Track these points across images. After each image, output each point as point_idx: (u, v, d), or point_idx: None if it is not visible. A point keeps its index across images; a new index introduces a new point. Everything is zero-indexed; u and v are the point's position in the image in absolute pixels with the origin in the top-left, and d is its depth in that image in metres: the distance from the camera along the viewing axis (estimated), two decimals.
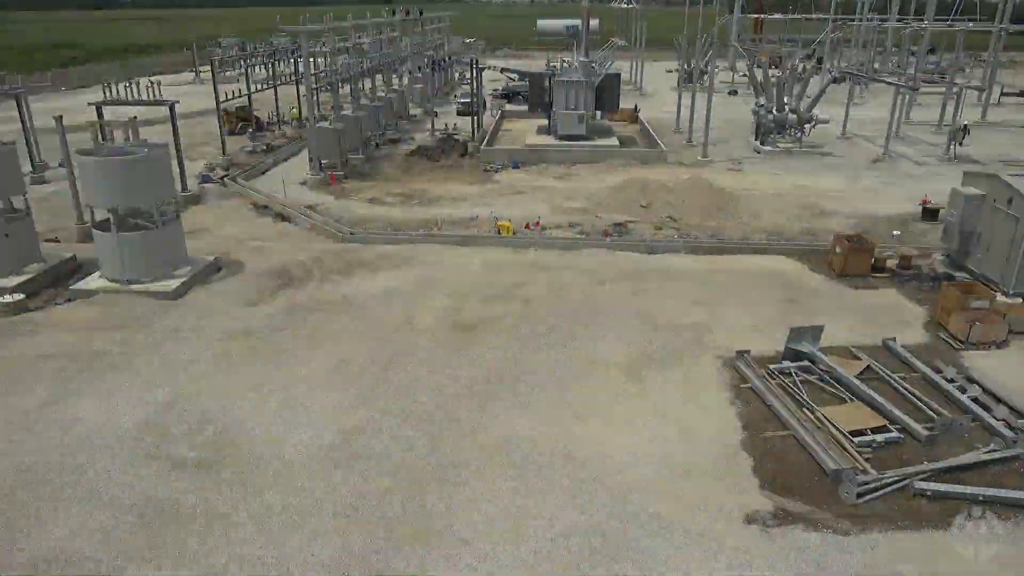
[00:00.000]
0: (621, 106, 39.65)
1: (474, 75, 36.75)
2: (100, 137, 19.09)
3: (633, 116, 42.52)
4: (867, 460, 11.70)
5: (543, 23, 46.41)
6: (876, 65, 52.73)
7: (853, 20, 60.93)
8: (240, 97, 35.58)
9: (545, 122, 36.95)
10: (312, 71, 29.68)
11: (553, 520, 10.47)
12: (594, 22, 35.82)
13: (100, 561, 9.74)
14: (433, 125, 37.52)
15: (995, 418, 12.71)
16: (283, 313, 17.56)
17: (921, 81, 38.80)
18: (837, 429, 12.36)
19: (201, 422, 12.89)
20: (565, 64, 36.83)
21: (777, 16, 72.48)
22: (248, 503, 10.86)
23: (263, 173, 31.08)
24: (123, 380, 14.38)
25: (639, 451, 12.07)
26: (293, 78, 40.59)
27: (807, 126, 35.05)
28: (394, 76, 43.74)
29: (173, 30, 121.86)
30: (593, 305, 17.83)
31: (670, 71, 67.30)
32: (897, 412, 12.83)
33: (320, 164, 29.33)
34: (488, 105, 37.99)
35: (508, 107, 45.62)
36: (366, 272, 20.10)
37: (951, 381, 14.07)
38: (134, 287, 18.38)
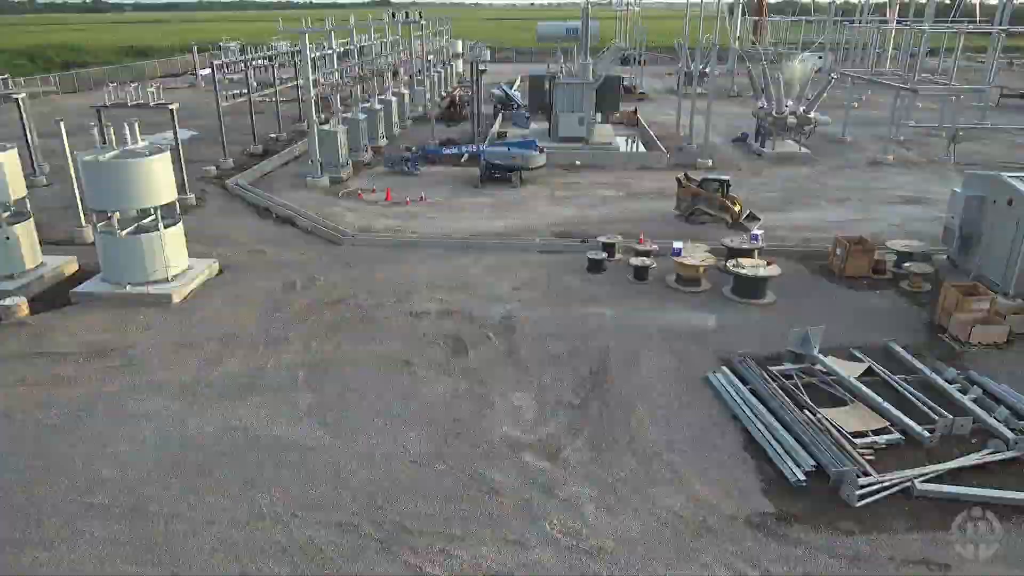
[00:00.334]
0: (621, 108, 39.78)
1: (475, 78, 36.82)
2: (101, 140, 19.12)
3: (633, 118, 42.60)
4: (868, 461, 11.71)
5: (543, 26, 46.47)
6: (876, 67, 52.79)
7: (853, 22, 61.04)
8: (241, 98, 35.61)
9: (545, 124, 37.04)
10: (312, 75, 29.71)
11: None
12: (593, 24, 35.91)
13: None
14: (433, 128, 37.58)
15: (996, 419, 12.72)
16: (285, 318, 17.59)
17: (920, 83, 38.85)
18: (839, 431, 12.35)
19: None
20: (564, 69, 36.95)
21: (778, 18, 72.62)
22: None
23: (264, 174, 31.17)
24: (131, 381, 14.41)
25: None
26: (294, 82, 40.71)
27: (807, 128, 35.11)
28: (395, 79, 43.84)
29: (174, 34, 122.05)
30: None
31: (670, 73, 67.43)
32: (897, 413, 12.85)
33: (321, 167, 29.32)
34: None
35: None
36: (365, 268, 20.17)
37: (951, 382, 14.08)
38: (135, 290, 18.39)
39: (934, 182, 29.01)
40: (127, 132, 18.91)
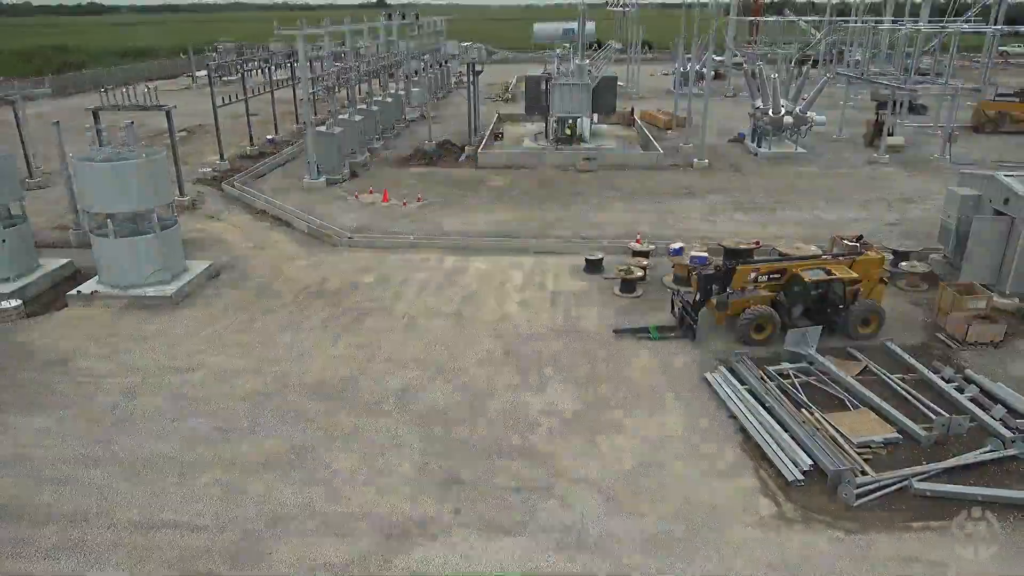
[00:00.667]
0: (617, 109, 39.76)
1: (471, 79, 36.80)
2: (97, 142, 19.09)
3: (629, 119, 42.61)
4: (866, 461, 11.73)
5: (540, 27, 46.48)
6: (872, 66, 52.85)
7: (848, 22, 61.11)
8: (239, 101, 35.54)
9: (542, 126, 37.03)
10: (309, 75, 29.64)
11: None
12: (590, 25, 35.93)
13: None
14: (430, 129, 37.55)
15: (993, 418, 12.74)
16: (284, 320, 17.57)
17: (916, 82, 38.94)
18: (841, 434, 12.35)
19: None
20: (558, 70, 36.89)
21: (773, 19, 72.68)
22: None
23: (260, 176, 31.16)
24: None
25: None
26: (290, 83, 40.62)
27: (803, 127, 35.16)
28: (391, 80, 43.78)
29: (169, 35, 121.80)
30: None
31: (666, 73, 67.44)
32: (894, 412, 12.87)
33: (318, 169, 29.30)
34: None
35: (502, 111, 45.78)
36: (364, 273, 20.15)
37: (949, 381, 14.10)
38: (131, 292, 18.35)
39: (930, 181, 29.04)
40: (123, 135, 18.87)
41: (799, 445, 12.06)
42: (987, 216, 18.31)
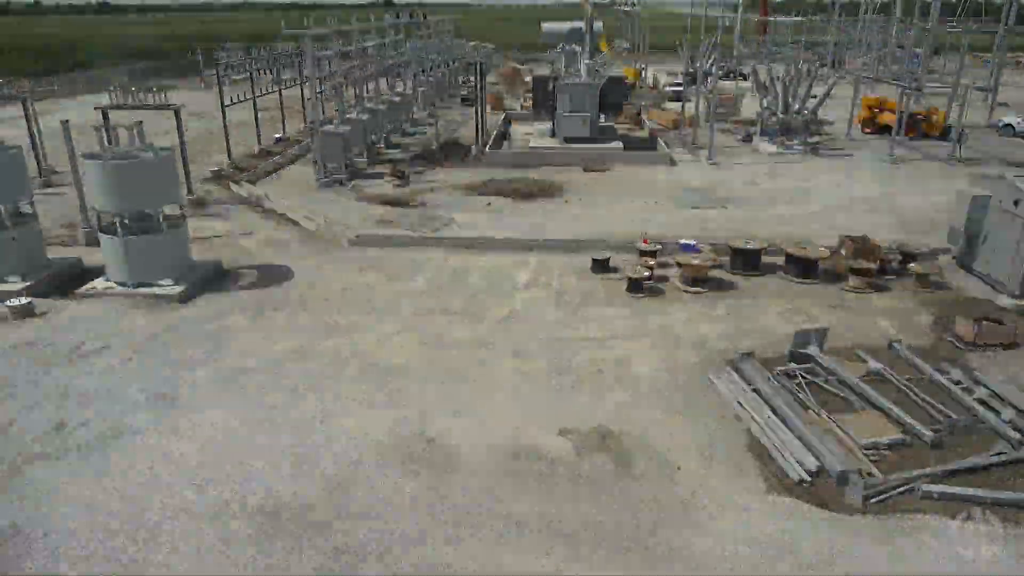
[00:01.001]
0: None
1: (478, 78, 36.84)
2: (106, 141, 19.19)
3: (637, 119, 42.52)
4: (873, 462, 11.69)
5: (548, 26, 46.35)
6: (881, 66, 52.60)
7: (857, 21, 60.85)
8: (246, 101, 35.69)
9: (549, 124, 37.00)
10: (316, 75, 29.73)
11: None
12: (597, 25, 35.91)
13: None
14: (437, 128, 37.62)
15: (1001, 420, 12.66)
16: (284, 320, 17.62)
17: (925, 82, 38.70)
18: (849, 436, 12.30)
19: None
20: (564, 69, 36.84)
21: (782, 19, 72.43)
22: None
23: (268, 175, 31.27)
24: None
25: None
26: (297, 83, 40.73)
27: (812, 127, 35.07)
28: (398, 80, 43.84)
29: (179, 35, 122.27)
30: None
31: (672, 73, 67.32)
32: (902, 414, 12.81)
33: (325, 168, 29.38)
34: None
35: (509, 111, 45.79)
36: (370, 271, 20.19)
37: (957, 383, 14.02)
38: (140, 291, 18.44)
39: (940, 181, 28.86)
40: (132, 133, 18.96)
41: (805, 446, 12.01)
42: (1007, 208, 18.11)
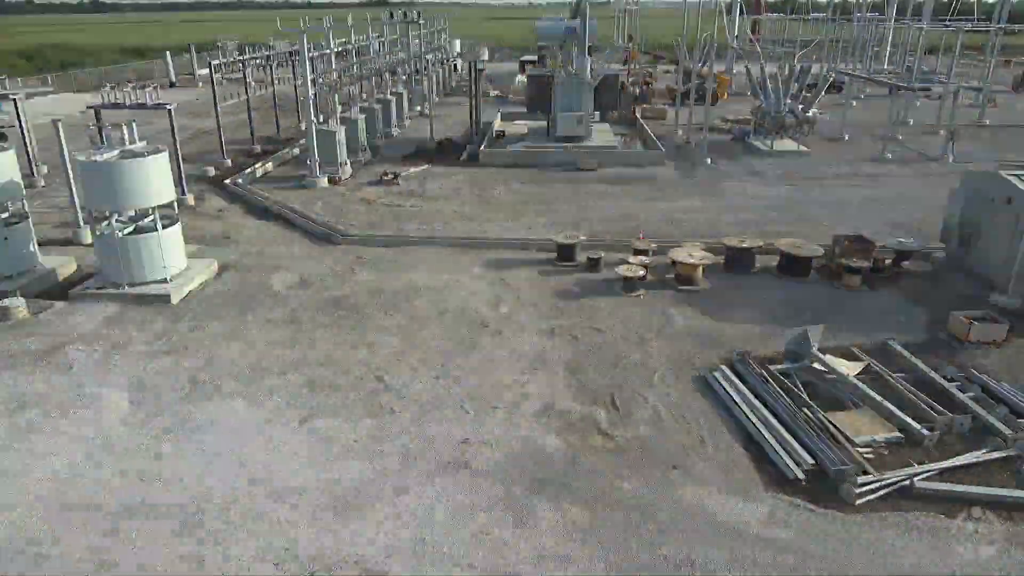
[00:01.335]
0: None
1: (473, 77, 36.80)
2: (99, 139, 19.09)
3: (632, 118, 42.57)
4: (868, 460, 11.72)
5: (542, 24, 46.28)
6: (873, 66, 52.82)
7: (850, 21, 60.99)
8: (241, 99, 35.57)
9: (543, 123, 36.99)
10: (311, 74, 29.64)
11: None
12: (592, 23, 35.87)
13: None
14: (432, 127, 37.58)
15: (995, 417, 12.71)
16: (283, 319, 17.56)
17: (918, 82, 38.89)
18: (843, 435, 12.32)
19: None
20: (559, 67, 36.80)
21: (775, 16, 72.56)
22: None
23: (263, 174, 31.16)
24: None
25: None
26: (292, 81, 40.65)
27: (805, 126, 35.15)
28: (393, 78, 43.77)
29: (172, 34, 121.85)
30: None
31: (667, 71, 67.40)
32: (897, 412, 12.85)
33: (320, 167, 29.30)
34: None
35: (504, 109, 45.76)
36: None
37: (951, 380, 14.08)
38: (133, 291, 18.35)
39: (932, 179, 28.97)
40: (124, 132, 18.86)
41: (800, 444, 12.04)
42: (1000, 205, 18.18)
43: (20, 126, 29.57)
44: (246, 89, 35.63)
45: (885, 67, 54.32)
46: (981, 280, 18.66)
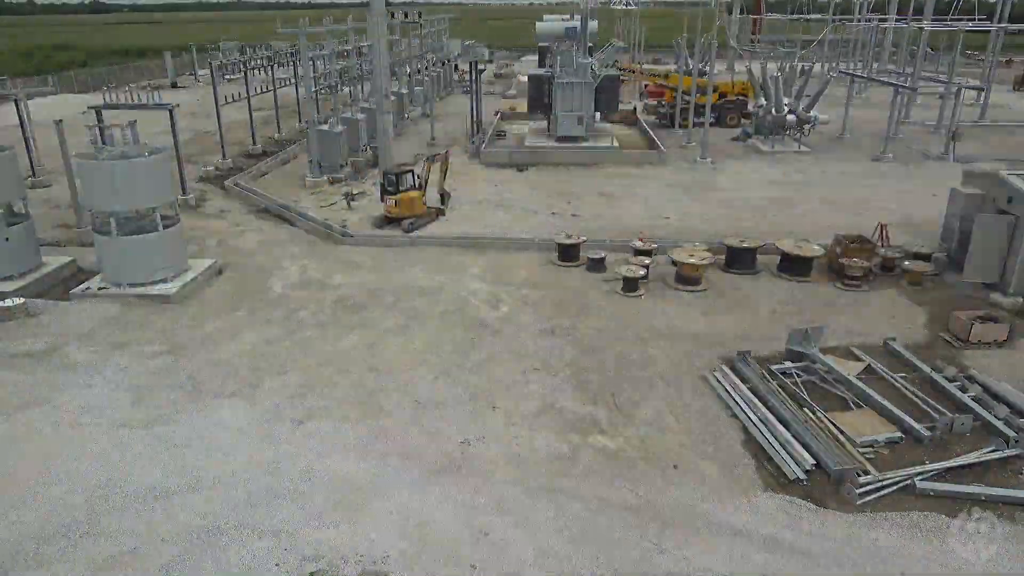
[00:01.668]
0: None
1: (474, 77, 36.79)
2: (100, 139, 19.09)
3: (632, 118, 42.56)
4: (869, 460, 11.72)
5: (542, 25, 46.40)
6: (875, 65, 52.76)
7: (851, 20, 60.93)
8: (241, 100, 35.60)
9: (544, 123, 36.98)
10: (312, 74, 29.66)
11: None
12: (592, 24, 35.92)
13: None
14: (432, 127, 37.57)
15: (996, 417, 12.71)
16: (283, 319, 17.57)
17: (919, 81, 38.84)
18: (844, 435, 12.32)
19: None
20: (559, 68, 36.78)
21: (775, 16, 72.51)
22: None
23: (263, 175, 31.19)
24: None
25: None
26: (292, 82, 40.63)
27: (806, 126, 35.12)
28: (394, 79, 43.74)
29: (172, 35, 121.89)
30: None
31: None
32: (898, 412, 12.85)
33: (320, 167, 29.30)
34: None
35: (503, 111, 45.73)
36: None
37: (952, 380, 14.07)
38: (134, 291, 18.36)
39: (932, 179, 28.94)
40: (126, 133, 18.87)
41: (801, 444, 12.04)
42: (991, 214, 18.23)
43: (22, 126, 29.61)
44: (247, 90, 35.60)
45: (887, 67, 54.26)
46: (982, 279, 18.59)
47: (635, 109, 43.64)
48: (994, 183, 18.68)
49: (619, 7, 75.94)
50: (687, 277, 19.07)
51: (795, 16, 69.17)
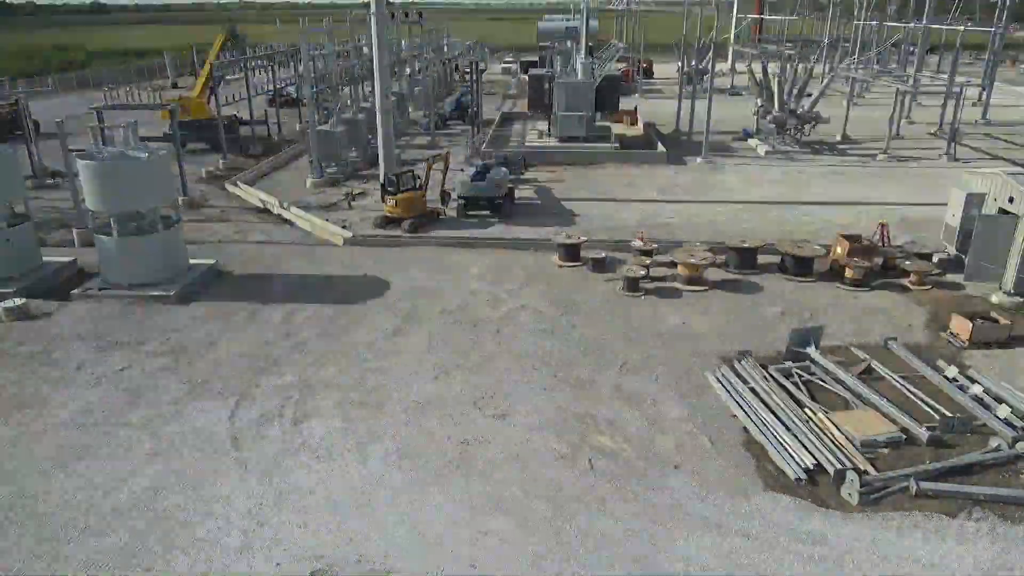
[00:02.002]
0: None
1: (475, 78, 36.81)
2: (101, 140, 19.13)
3: (633, 117, 42.52)
4: (869, 460, 11.71)
5: (543, 25, 46.39)
6: (876, 65, 52.72)
7: (853, 21, 60.90)
8: (240, 101, 35.62)
9: (545, 123, 36.98)
10: (312, 74, 29.68)
11: None
12: (593, 23, 35.88)
13: None
14: (433, 126, 37.57)
15: (996, 417, 12.69)
16: (282, 319, 17.57)
17: (920, 81, 38.83)
18: (844, 435, 12.31)
19: None
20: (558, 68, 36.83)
21: (776, 17, 72.49)
22: None
23: (264, 175, 31.20)
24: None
25: None
26: (293, 82, 40.63)
27: (807, 126, 35.10)
28: (394, 79, 43.76)
29: (173, 35, 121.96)
30: None
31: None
32: (898, 412, 12.83)
33: (321, 168, 29.31)
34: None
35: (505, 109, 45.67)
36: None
37: (953, 381, 14.05)
38: (134, 291, 18.36)
39: (934, 178, 28.93)
40: (127, 134, 18.88)
41: (801, 444, 12.03)
42: (993, 215, 18.22)
43: (24, 127, 29.66)
44: (247, 89, 35.63)
45: (888, 67, 54.23)
46: (983, 279, 18.57)
47: (635, 109, 43.59)
48: (996, 182, 18.65)
49: (620, 7, 75.83)
50: (687, 277, 19.05)
51: (796, 16, 69.17)
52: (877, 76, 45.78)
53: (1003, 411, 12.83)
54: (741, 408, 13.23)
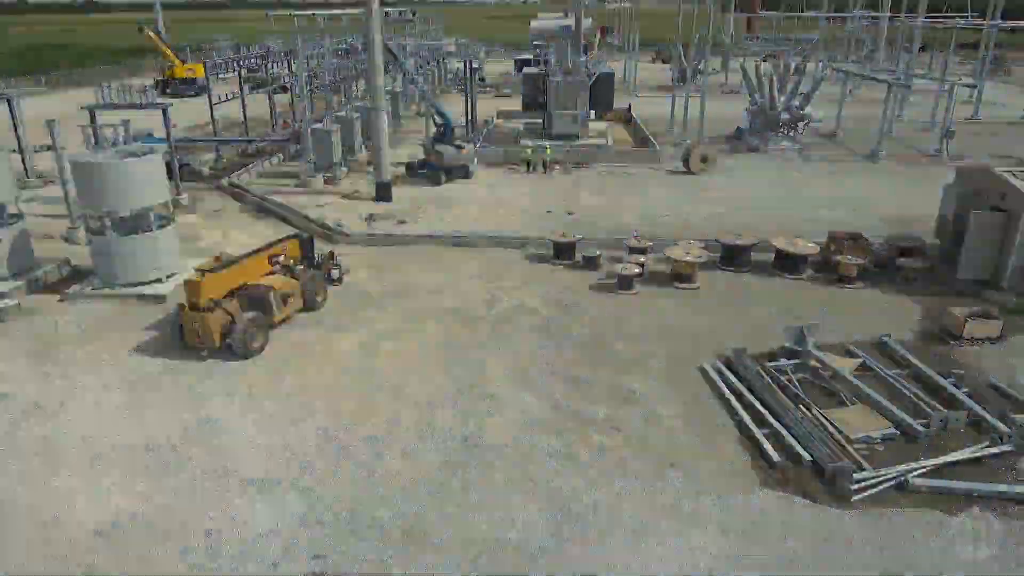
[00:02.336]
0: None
1: (468, 76, 36.78)
2: (94, 139, 19.03)
3: (627, 116, 42.55)
4: (864, 456, 11.76)
5: (536, 24, 46.44)
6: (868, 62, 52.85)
7: (845, 17, 61.05)
8: (235, 98, 35.48)
9: (538, 121, 36.99)
10: (306, 72, 29.61)
11: None
12: (586, 22, 35.96)
13: None
14: (427, 125, 37.40)
15: (991, 414, 12.76)
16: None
17: (912, 78, 38.93)
18: (839, 431, 12.36)
19: None
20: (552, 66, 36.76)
21: (769, 14, 72.54)
22: None
23: (258, 174, 31.08)
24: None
25: None
26: (287, 80, 40.46)
27: (799, 124, 35.17)
28: (388, 77, 43.64)
29: (167, 33, 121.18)
30: None
31: (658, 62, 67.14)
32: (892, 408, 12.89)
33: (314, 165, 29.21)
34: None
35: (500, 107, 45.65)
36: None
37: (947, 376, 14.12)
38: (127, 291, 18.28)
39: (926, 176, 29.04)
40: (119, 133, 18.81)
41: (796, 440, 12.07)
42: (986, 212, 18.29)
43: (15, 126, 29.46)
44: (240, 88, 35.48)
45: (880, 64, 54.36)
46: (976, 275, 18.66)
47: (629, 107, 43.61)
48: (987, 178, 18.72)
49: (614, 6, 75.89)
50: (682, 274, 19.09)
51: (790, 14, 69.29)
52: (868, 71, 45.82)
53: (997, 407, 12.88)
54: (736, 404, 13.25)
